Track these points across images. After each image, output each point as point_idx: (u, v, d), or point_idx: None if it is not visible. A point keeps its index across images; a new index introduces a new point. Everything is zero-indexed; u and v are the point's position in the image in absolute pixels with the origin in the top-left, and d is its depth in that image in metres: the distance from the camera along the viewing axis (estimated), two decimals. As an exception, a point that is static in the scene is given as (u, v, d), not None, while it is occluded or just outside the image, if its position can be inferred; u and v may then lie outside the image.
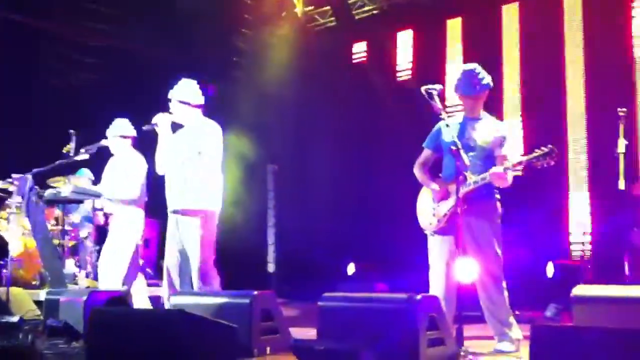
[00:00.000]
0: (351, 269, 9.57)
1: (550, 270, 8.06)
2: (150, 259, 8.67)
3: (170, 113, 5.43)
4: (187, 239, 5.29)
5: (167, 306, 5.05)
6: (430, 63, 10.24)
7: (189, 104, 5.41)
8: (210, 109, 10.02)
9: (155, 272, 8.25)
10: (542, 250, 8.26)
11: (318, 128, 11.09)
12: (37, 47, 10.13)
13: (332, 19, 11.36)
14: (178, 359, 3.48)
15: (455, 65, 9.74)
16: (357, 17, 11.06)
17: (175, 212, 5.35)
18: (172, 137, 5.41)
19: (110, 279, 5.88)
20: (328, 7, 11.31)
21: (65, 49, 10.51)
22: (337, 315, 4.20)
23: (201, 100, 5.47)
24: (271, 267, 10.68)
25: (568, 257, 8.46)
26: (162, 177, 5.56)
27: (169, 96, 5.47)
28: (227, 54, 11.70)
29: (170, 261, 5.39)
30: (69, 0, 10.07)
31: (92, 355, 3.81)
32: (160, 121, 5.37)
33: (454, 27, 10.09)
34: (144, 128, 5.46)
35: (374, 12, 10.94)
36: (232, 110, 9.96)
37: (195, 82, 5.53)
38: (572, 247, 8.59)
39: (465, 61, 9.39)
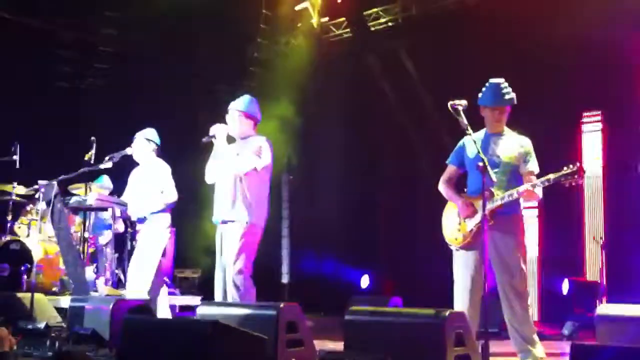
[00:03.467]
0: (365, 281, 9.59)
1: (565, 287, 8.09)
2: (167, 268, 8.71)
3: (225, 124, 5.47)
4: (227, 248, 5.36)
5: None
6: (445, 74, 10.25)
7: (254, 118, 5.52)
8: (224, 117, 10.14)
9: (171, 281, 8.30)
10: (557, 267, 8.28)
11: (332, 138, 11.13)
12: (47, 50, 10.20)
13: (348, 30, 11.41)
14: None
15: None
16: (372, 29, 11.11)
17: (223, 222, 5.43)
18: (228, 148, 5.43)
19: (138, 286, 5.91)
20: (343, 19, 11.38)
21: (76, 53, 10.58)
22: (364, 330, 4.22)
23: (260, 117, 5.58)
24: (285, 278, 10.70)
25: (583, 274, 8.46)
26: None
27: (231, 107, 5.52)
28: (242, 64, 11.76)
29: (218, 274, 5.47)
30: (81, 5, 10.14)
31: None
32: (218, 132, 5.39)
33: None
34: (203, 140, 5.49)
35: (390, 23, 10.98)
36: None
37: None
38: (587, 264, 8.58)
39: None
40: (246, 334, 3.73)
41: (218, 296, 5.45)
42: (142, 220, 6.13)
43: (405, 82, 10.71)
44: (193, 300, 8.75)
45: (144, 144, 6.32)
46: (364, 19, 11.03)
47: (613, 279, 7.66)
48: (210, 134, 5.42)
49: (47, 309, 5.96)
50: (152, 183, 6.19)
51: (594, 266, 8.33)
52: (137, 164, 6.49)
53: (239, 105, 5.53)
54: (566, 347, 6.44)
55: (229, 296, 5.29)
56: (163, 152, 6.51)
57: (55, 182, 6.13)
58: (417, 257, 9.75)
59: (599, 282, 7.70)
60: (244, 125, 5.49)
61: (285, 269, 10.82)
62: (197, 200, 9.61)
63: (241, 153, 5.37)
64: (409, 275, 9.70)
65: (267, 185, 5.50)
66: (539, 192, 4.66)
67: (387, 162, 10.91)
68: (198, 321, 4.23)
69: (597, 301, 7.45)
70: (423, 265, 9.44)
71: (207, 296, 8.55)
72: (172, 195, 6.22)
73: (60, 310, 6.24)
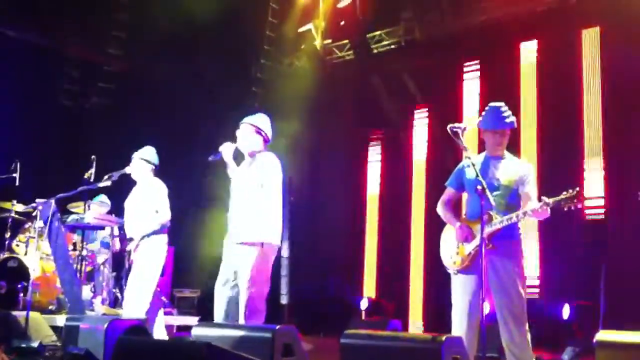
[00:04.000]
0: (364, 304, 9.53)
1: (566, 311, 8.02)
2: (165, 287, 8.67)
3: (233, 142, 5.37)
4: (240, 270, 5.19)
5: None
6: (446, 98, 10.30)
7: (264, 134, 5.38)
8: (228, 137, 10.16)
9: (169, 301, 8.25)
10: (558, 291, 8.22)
11: (334, 159, 11.13)
12: (51, 68, 10.25)
13: (350, 52, 11.46)
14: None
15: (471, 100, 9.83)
16: (375, 51, 11.15)
17: (237, 242, 5.23)
18: (237, 168, 5.36)
19: (135, 306, 5.86)
20: (346, 41, 11.43)
21: (80, 72, 10.62)
22: (360, 353, 4.19)
23: (271, 135, 5.45)
24: (284, 299, 10.64)
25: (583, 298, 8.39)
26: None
27: (243, 121, 5.41)
28: (245, 84, 11.80)
29: (220, 291, 5.28)
30: (87, 24, 10.20)
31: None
32: (225, 150, 5.30)
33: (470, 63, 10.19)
34: (210, 159, 5.38)
35: (392, 46, 11.02)
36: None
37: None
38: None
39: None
40: (240, 357, 3.68)
41: (218, 314, 5.28)
42: (130, 240, 6.09)
43: (409, 106, 10.78)
44: (191, 320, 8.71)
45: (141, 164, 6.30)
46: (367, 41, 11.07)
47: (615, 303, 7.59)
48: (219, 149, 5.32)
49: (42, 327, 5.92)
50: (147, 203, 6.16)
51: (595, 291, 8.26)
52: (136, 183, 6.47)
53: (251, 119, 5.43)
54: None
55: (240, 319, 5.16)
56: (164, 171, 6.49)
57: (52, 200, 6.11)
58: (416, 279, 9.71)
59: (599, 306, 7.60)
60: (253, 140, 5.35)
61: (284, 289, 10.76)
62: (197, 219, 9.63)
63: (247, 172, 5.28)
64: (408, 297, 9.67)
65: (279, 202, 5.31)
66: (547, 210, 4.61)
67: (391, 184, 10.89)
68: (192, 343, 4.19)
69: (599, 326, 7.38)
70: (422, 287, 9.41)
71: (206, 316, 8.52)
72: (166, 216, 6.13)
73: (56, 329, 6.20)
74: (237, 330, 4.69)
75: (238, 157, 5.37)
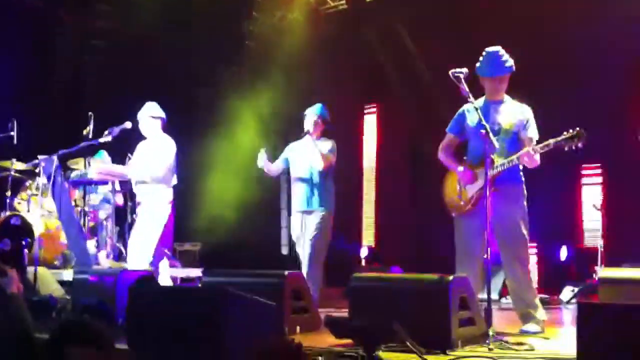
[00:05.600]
0: (364, 252, 9.66)
1: (563, 253, 8.16)
2: (167, 240, 8.71)
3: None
4: (307, 237, 6.21)
5: None
6: (444, 46, 10.23)
7: (327, 120, 6.46)
8: (222, 92, 10.09)
9: (172, 253, 8.32)
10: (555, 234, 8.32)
11: (330, 112, 11.10)
12: (46, 29, 10.14)
13: (344, 1, 11.33)
14: (219, 334, 3.54)
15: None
16: (367, 1, 11.03)
17: (303, 212, 6.31)
18: (301, 144, 6.38)
19: (138, 259, 5.93)
20: (339, -10, 11.29)
21: (74, 30, 10.51)
22: (369, 295, 4.27)
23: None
24: (285, 250, 10.75)
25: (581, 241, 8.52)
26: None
27: (307, 112, 6.48)
28: (237, 38, 11.69)
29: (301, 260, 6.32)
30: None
31: (132, 331, 3.87)
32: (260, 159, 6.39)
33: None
34: (302, 135, 6.36)
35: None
36: (243, 94, 9.99)
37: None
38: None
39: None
40: (255, 300, 3.76)
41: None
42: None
43: (404, 56, 10.70)
44: (194, 272, 8.80)
45: (150, 122, 6.28)
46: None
47: (612, 245, 7.71)
48: (306, 129, 6.33)
49: (50, 282, 6.00)
50: (151, 154, 6.17)
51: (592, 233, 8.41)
52: (138, 138, 6.45)
53: (312, 109, 6.50)
54: (565, 312, 6.59)
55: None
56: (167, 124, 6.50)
57: (55, 157, 6.12)
58: (417, 226, 9.80)
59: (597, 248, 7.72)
60: (312, 125, 6.36)
61: (284, 240, 10.86)
62: (196, 174, 9.66)
63: (311, 149, 6.26)
64: (410, 244, 9.76)
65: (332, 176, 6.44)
66: (537, 158, 4.69)
67: (388, 136, 10.92)
68: (207, 288, 4.26)
69: (595, 268, 7.52)
70: (423, 233, 9.50)
71: (209, 268, 8.61)
72: (157, 170, 6.14)
73: (63, 283, 6.28)
74: (247, 277, 4.78)
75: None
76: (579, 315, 2.76)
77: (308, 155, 6.28)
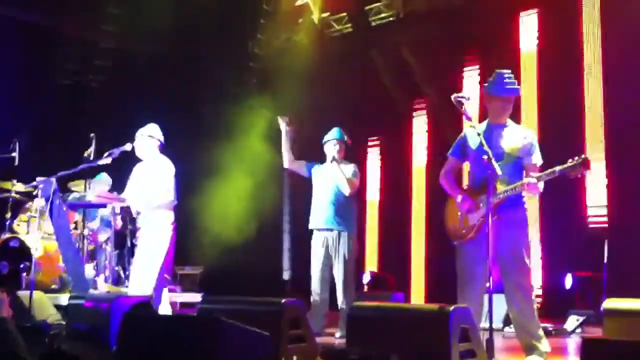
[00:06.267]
0: (366, 277, 9.55)
1: (568, 281, 8.03)
2: (169, 264, 8.64)
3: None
4: (340, 261, 6.59)
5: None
6: (446, 70, 10.23)
7: (347, 142, 6.84)
8: (225, 114, 10.05)
9: (172, 278, 8.24)
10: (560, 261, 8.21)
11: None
12: (48, 48, 10.15)
13: (349, 25, 11.35)
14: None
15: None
16: (373, 24, 11.05)
17: (327, 230, 6.64)
18: (325, 166, 6.76)
19: (141, 285, 5.84)
20: (344, 14, 11.31)
21: (76, 50, 10.52)
22: (367, 325, 4.17)
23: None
24: (286, 275, 10.66)
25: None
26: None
27: (326, 137, 6.83)
28: (242, 60, 11.69)
29: (316, 276, 6.70)
30: (81, 1, 10.10)
31: (124, 358, 3.78)
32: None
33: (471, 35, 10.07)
34: (331, 161, 6.74)
35: (391, 18, 10.91)
36: (248, 115, 9.96)
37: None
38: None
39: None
40: (249, 330, 3.67)
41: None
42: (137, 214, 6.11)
43: (408, 78, 10.69)
44: (194, 297, 8.71)
45: (147, 141, 6.22)
46: (366, 13, 10.97)
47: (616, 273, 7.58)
48: (330, 156, 6.71)
49: (46, 306, 5.90)
50: (150, 178, 6.10)
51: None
52: (138, 160, 6.40)
53: (332, 134, 6.83)
54: (570, 342, 6.45)
55: (339, 301, 6.63)
56: (166, 147, 6.44)
57: (53, 179, 6.05)
58: (418, 252, 9.73)
59: (601, 276, 7.60)
60: (336, 150, 6.73)
61: (286, 264, 10.77)
62: (198, 195, 9.59)
63: (336, 169, 6.65)
64: (411, 271, 9.67)
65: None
66: (541, 186, 4.61)
67: (391, 156, 10.86)
68: (200, 317, 4.18)
69: (601, 296, 7.39)
70: (425, 260, 9.42)
71: (209, 293, 8.51)
72: (168, 196, 6.11)
73: (59, 308, 6.18)
74: (244, 305, 4.69)
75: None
76: (582, 351, 2.66)
77: (334, 179, 6.65)
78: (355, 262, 6.83)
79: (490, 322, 4.16)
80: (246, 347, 3.69)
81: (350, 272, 6.65)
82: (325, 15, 11.45)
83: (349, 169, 6.67)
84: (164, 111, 8.99)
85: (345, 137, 6.85)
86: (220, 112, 10.36)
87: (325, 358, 3.54)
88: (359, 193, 7.41)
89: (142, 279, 5.93)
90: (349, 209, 6.68)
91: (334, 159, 6.63)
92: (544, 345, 4.63)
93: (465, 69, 10.11)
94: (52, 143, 9.20)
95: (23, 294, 5.68)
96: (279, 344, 4.39)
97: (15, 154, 7.46)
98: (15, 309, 5.44)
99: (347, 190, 6.57)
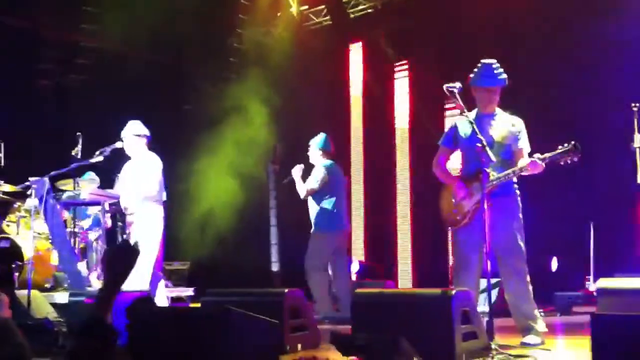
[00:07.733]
0: (355, 266, 9.64)
1: (554, 264, 8.20)
2: (158, 259, 8.64)
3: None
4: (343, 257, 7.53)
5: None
6: (427, 60, 10.31)
7: (328, 152, 7.46)
8: (208, 109, 10.05)
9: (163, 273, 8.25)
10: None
11: (315, 127, 11.10)
12: (27, 48, 10.06)
13: (327, 18, 11.40)
14: (222, 353, 3.51)
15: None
16: (352, 16, 11.11)
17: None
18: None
19: (137, 280, 5.87)
20: (323, 7, 11.36)
21: (56, 49, 10.45)
22: (371, 311, 4.25)
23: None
24: (275, 267, 10.71)
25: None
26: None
27: (311, 142, 7.47)
28: (222, 55, 11.69)
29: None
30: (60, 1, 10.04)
31: (133, 352, 3.81)
32: (296, 173, 7.28)
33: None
34: (285, 182, 7.70)
35: (369, 10, 10.99)
36: (229, 110, 9.98)
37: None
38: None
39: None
40: (258, 319, 3.74)
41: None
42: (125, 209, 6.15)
43: (387, 69, 10.79)
44: (184, 292, 8.75)
45: (134, 140, 6.26)
46: (343, 6, 11.03)
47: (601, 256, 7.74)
48: (292, 176, 7.28)
49: (43, 305, 5.89)
50: (140, 174, 6.15)
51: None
52: (128, 158, 6.43)
53: (314, 141, 7.47)
54: (560, 321, 6.61)
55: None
56: (153, 140, 6.47)
57: (46, 178, 6.07)
58: (409, 240, 9.83)
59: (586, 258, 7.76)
60: (315, 158, 7.42)
61: (274, 257, 10.82)
62: (183, 191, 9.60)
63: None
64: (399, 258, 9.78)
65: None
66: (543, 164, 4.70)
67: (374, 147, 10.95)
68: (208, 307, 4.24)
69: (586, 277, 7.56)
70: (415, 247, 9.53)
71: (199, 288, 8.55)
72: (149, 188, 6.18)
73: (54, 306, 6.18)
74: (246, 296, 4.75)
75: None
76: (592, 327, 2.77)
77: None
78: None
79: (490, 306, 4.26)
80: (254, 335, 3.74)
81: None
82: (303, 8, 11.49)
83: (314, 172, 7.31)
84: (148, 107, 8.99)
85: (328, 147, 7.46)
86: (203, 107, 10.36)
87: (335, 343, 3.59)
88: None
89: (137, 274, 5.95)
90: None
91: (290, 178, 7.33)
92: (540, 325, 4.76)
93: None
94: (38, 144, 9.14)
95: (20, 293, 5.67)
96: (282, 333, 4.46)
97: (0, 156, 7.41)
98: (14, 308, 5.44)
99: (301, 194, 7.32)
